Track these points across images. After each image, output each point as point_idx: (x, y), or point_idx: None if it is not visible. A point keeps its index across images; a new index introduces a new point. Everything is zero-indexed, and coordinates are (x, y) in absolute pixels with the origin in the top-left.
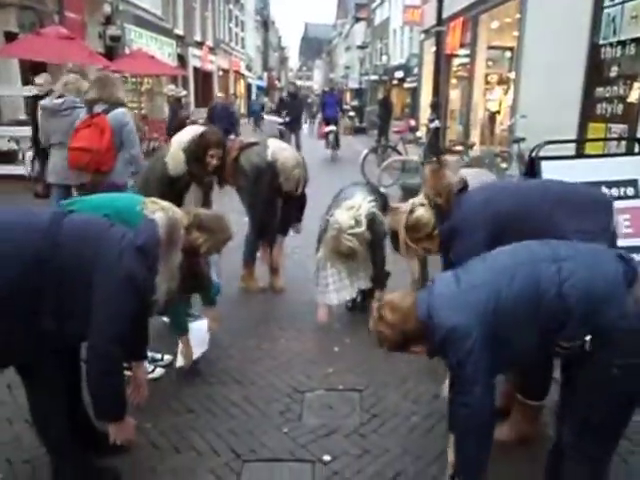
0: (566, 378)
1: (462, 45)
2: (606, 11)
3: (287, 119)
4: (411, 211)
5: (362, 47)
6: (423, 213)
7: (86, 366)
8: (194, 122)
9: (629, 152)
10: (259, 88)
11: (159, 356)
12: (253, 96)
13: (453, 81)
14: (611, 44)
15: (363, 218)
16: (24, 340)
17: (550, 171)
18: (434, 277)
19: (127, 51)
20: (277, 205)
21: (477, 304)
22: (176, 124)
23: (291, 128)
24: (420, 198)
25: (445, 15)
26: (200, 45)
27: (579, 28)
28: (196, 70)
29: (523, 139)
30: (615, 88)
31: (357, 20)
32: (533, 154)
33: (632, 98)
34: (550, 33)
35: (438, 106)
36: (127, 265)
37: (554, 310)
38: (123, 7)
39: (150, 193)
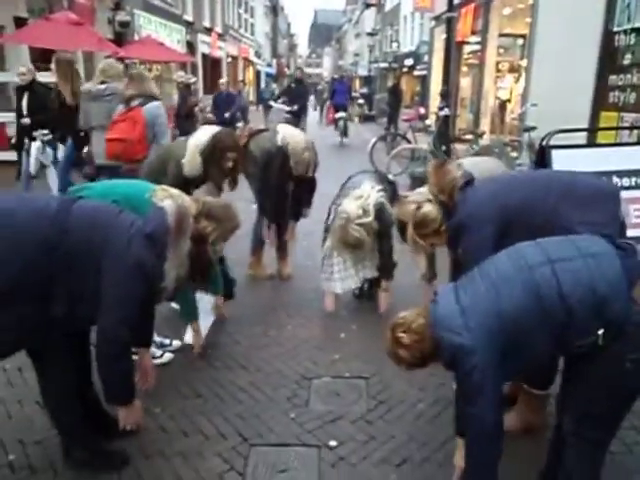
0: (572, 372)
1: (473, 32)
2: None
3: (295, 107)
4: (418, 207)
5: (372, 34)
6: (430, 209)
7: (96, 350)
8: (202, 109)
9: None
10: (268, 75)
11: (168, 341)
12: (262, 83)
13: (464, 69)
14: (625, 31)
15: (371, 208)
16: (35, 325)
17: (561, 160)
18: (438, 290)
19: (136, 37)
20: (288, 190)
21: (481, 325)
22: (185, 110)
23: (297, 115)
24: (426, 192)
25: (456, 1)
26: (209, 31)
27: (593, 14)
28: (205, 57)
29: (534, 128)
30: (629, 76)
31: (367, 6)
32: (544, 143)
33: None
34: (563, 20)
35: (448, 94)
36: (136, 252)
37: (558, 311)
38: None
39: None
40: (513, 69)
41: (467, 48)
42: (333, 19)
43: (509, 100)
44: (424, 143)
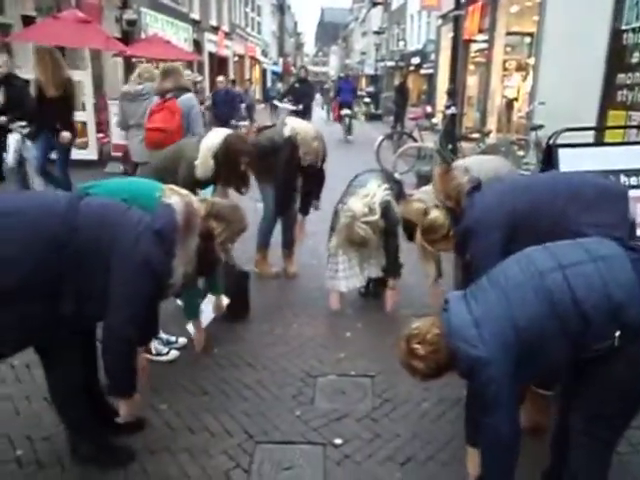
0: (585, 372)
1: (480, 30)
2: None
3: (300, 107)
4: (425, 213)
5: (378, 32)
6: (438, 215)
7: (102, 347)
8: (208, 108)
9: None
10: (274, 74)
11: (174, 339)
12: (268, 82)
13: (470, 67)
14: (634, 29)
15: (377, 206)
16: (44, 323)
17: (568, 159)
18: (448, 297)
19: (143, 36)
20: (296, 182)
21: (495, 335)
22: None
23: (302, 114)
24: (432, 192)
25: None
26: (216, 30)
27: (601, 12)
28: (211, 55)
29: (541, 126)
30: (637, 75)
31: (374, 4)
32: (551, 141)
33: None
34: (571, 18)
35: (455, 93)
36: (144, 249)
37: (573, 317)
38: None
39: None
40: (520, 67)
41: (474, 46)
42: (340, 17)
43: (516, 99)
44: (430, 142)
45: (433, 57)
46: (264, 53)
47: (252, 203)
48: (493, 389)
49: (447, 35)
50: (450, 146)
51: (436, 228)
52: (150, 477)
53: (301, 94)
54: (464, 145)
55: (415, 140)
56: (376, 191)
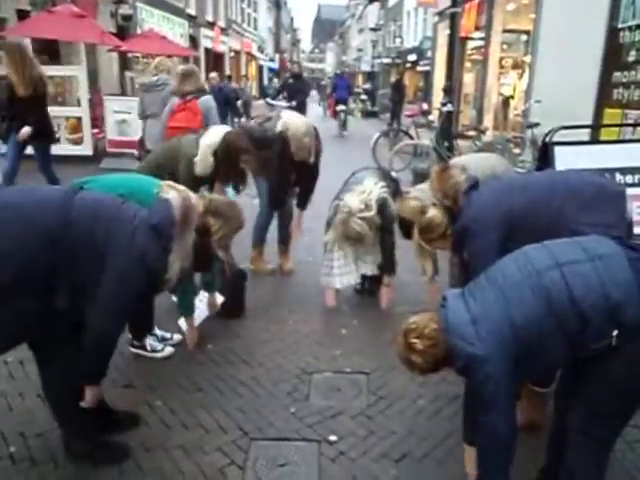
0: (583, 372)
1: (477, 28)
2: None
3: (293, 103)
4: (423, 212)
5: (375, 29)
6: (435, 213)
7: (83, 335)
8: None
9: None
10: (271, 70)
11: (169, 335)
12: (265, 78)
13: (467, 65)
14: (630, 28)
15: (373, 203)
16: (38, 318)
17: (564, 157)
18: (446, 294)
19: (139, 31)
20: (289, 177)
21: (493, 333)
22: None
23: (297, 110)
24: (428, 190)
25: None
26: (212, 25)
27: (597, 11)
28: (207, 51)
29: (537, 124)
30: (633, 73)
31: (370, 1)
32: (547, 139)
33: None
34: (567, 16)
35: (451, 90)
36: (140, 244)
37: (571, 316)
38: None
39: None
40: (517, 65)
41: (471, 44)
42: (336, 14)
43: (512, 96)
44: (427, 139)
45: (430, 54)
46: (260, 49)
47: (248, 199)
48: (490, 387)
49: (444, 32)
50: (446, 143)
51: (433, 227)
52: (144, 474)
53: (295, 90)
54: (460, 143)
55: (411, 137)
56: (372, 188)
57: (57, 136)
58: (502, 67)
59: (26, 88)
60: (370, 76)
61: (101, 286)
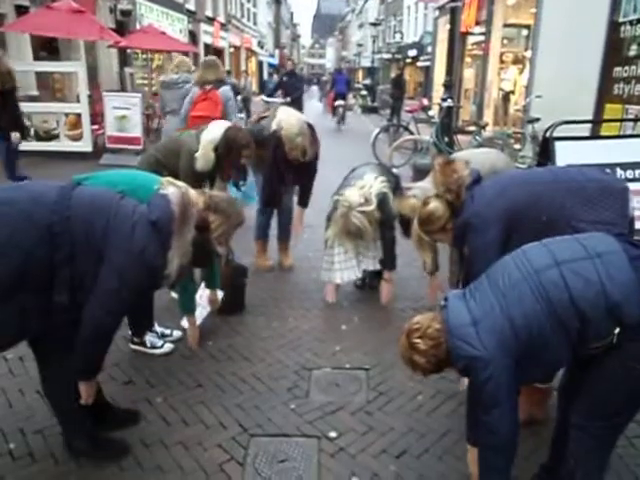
0: (589, 372)
1: (477, 23)
2: None
3: (288, 99)
4: (425, 203)
5: (375, 24)
6: (437, 206)
7: (80, 326)
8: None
9: None
10: (271, 65)
11: (168, 331)
12: (265, 74)
13: (467, 60)
14: (631, 22)
15: (373, 197)
16: (39, 314)
17: (564, 152)
18: (447, 295)
19: (138, 26)
20: (284, 175)
21: (493, 335)
22: None
23: (293, 106)
24: (428, 187)
25: None
26: (211, 21)
27: (598, 5)
28: (207, 47)
29: (538, 119)
30: (634, 68)
31: None
32: (547, 134)
33: None
34: (568, 10)
35: (451, 85)
36: (140, 240)
37: (571, 315)
38: None
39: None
40: (517, 60)
41: (471, 39)
42: (336, 9)
43: (513, 91)
44: (427, 134)
45: (430, 49)
46: (260, 45)
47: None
48: (491, 388)
49: (444, 27)
50: (446, 139)
51: (434, 219)
52: (144, 470)
53: (290, 87)
54: (460, 138)
55: (411, 133)
56: (373, 182)
57: (56, 132)
58: (502, 62)
59: None
60: (370, 71)
61: (99, 281)
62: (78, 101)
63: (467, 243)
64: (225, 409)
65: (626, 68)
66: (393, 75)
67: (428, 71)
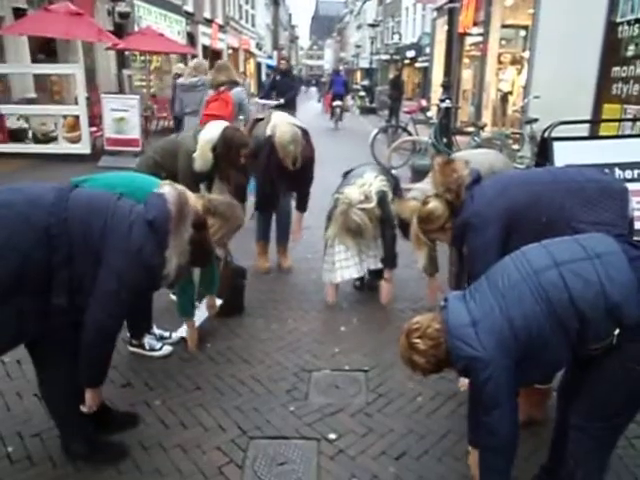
0: (583, 372)
1: (475, 23)
2: None
3: (281, 100)
4: (424, 203)
5: (373, 25)
6: (437, 205)
7: (82, 331)
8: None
9: None
10: (269, 67)
11: (167, 334)
12: (263, 75)
13: (465, 61)
14: (629, 22)
15: (373, 195)
16: (37, 317)
17: (562, 152)
18: (447, 295)
19: (136, 28)
20: (278, 180)
21: (493, 336)
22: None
23: (287, 108)
24: (427, 188)
25: None
26: (210, 23)
27: (596, 5)
28: (205, 48)
29: (536, 120)
30: (632, 68)
31: None
32: (545, 135)
33: None
34: (566, 11)
35: (450, 86)
36: (137, 240)
37: (570, 316)
38: None
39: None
40: (515, 61)
41: (469, 40)
42: (334, 10)
43: (511, 92)
44: (425, 135)
45: (428, 50)
46: (258, 46)
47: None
48: (491, 388)
49: (442, 28)
50: (445, 140)
51: (433, 218)
52: (143, 473)
53: (283, 87)
54: (459, 139)
55: (410, 134)
56: (373, 181)
57: (54, 134)
58: (501, 63)
59: None
60: (368, 72)
61: (98, 283)
62: (76, 103)
63: (466, 243)
64: (224, 411)
65: (624, 68)
66: (391, 76)
67: (426, 72)
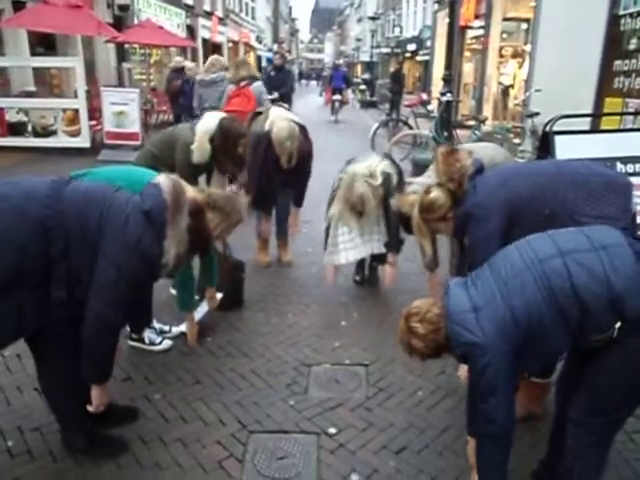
0: (583, 366)
1: (477, 16)
2: None
3: (275, 95)
4: (426, 192)
5: (374, 18)
6: (439, 194)
7: (83, 327)
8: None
9: None
10: (269, 60)
11: (167, 328)
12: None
13: (466, 54)
14: (631, 15)
15: (379, 174)
16: (36, 310)
17: (564, 146)
18: (448, 282)
19: (136, 21)
20: (274, 176)
21: (493, 322)
22: (171, 92)
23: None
24: (428, 181)
25: None
26: (209, 15)
27: None
28: (205, 41)
29: (537, 113)
30: (634, 61)
31: None
32: (547, 128)
33: None
34: (568, 3)
35: (451, 80)
36: (134, 231)
37: (572, 305)
38: None
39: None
40: (517, 54)
41: (470, 33)
42: (335, 3)
43: (512, 86)
44: (426, 129)
45: (429, 43)
46: (259, 39)
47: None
48: (488, 375)
49: (443, 21)
50: (446, 133)
51: (435, 208)
52: (142, 467)
53: (277, 82)
54: (460, 132)
55: (410, 127)
56: (378, 163)
57: (54, 128)
58: (502, 56)
59: None
60: (369, 66)
61: (97, 275)
62: (76, 97)
63: (468, 234)
64: (224, 406)
65: (626, 61)
66: (392, 69)
67: (427, 65)
